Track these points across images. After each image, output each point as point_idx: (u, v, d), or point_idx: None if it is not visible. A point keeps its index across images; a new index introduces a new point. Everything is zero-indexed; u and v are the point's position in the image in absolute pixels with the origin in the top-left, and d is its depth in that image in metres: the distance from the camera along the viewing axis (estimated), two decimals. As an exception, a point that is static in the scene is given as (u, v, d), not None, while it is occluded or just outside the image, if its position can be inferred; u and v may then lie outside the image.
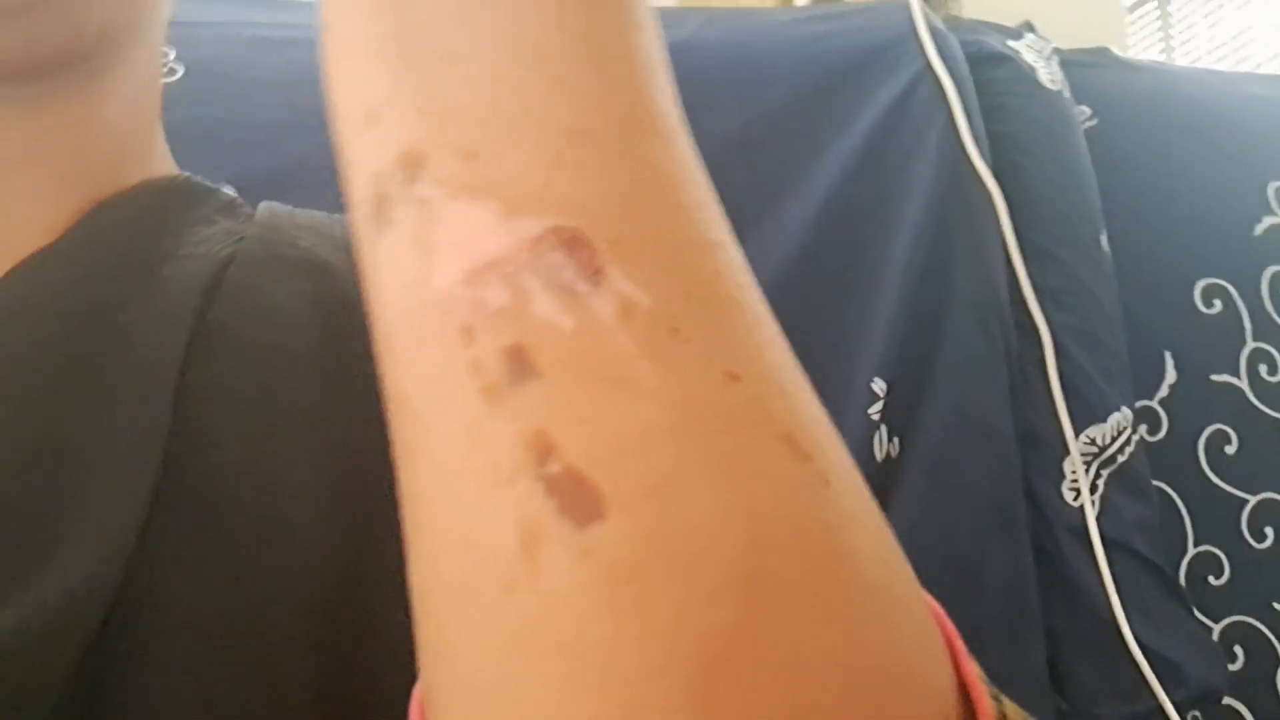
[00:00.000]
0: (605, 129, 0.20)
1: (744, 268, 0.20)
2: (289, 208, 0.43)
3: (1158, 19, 3.24)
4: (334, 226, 0.42)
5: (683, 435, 0.17)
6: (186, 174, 0.42)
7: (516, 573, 0.16)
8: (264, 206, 0.42)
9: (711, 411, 0.17)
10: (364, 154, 0.20)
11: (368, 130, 0.20)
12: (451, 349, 0.18)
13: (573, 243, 0.18)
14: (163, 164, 0.43)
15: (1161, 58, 3.17)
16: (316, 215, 0.43)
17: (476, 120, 0.19)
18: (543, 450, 0.17)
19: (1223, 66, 2.95)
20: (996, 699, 0.19)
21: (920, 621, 0.19)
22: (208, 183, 0.42)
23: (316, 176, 0.68)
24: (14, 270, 0.34)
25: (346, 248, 0.40)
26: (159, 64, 0.43)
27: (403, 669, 0.33)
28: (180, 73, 0.67)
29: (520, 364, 0.17)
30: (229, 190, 0.43)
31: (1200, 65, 3.03)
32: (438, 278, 0.18)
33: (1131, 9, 3.23)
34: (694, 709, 0.15)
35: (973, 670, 0.19)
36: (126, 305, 0.33)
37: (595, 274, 0.18)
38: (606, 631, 0.16)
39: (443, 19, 0.20)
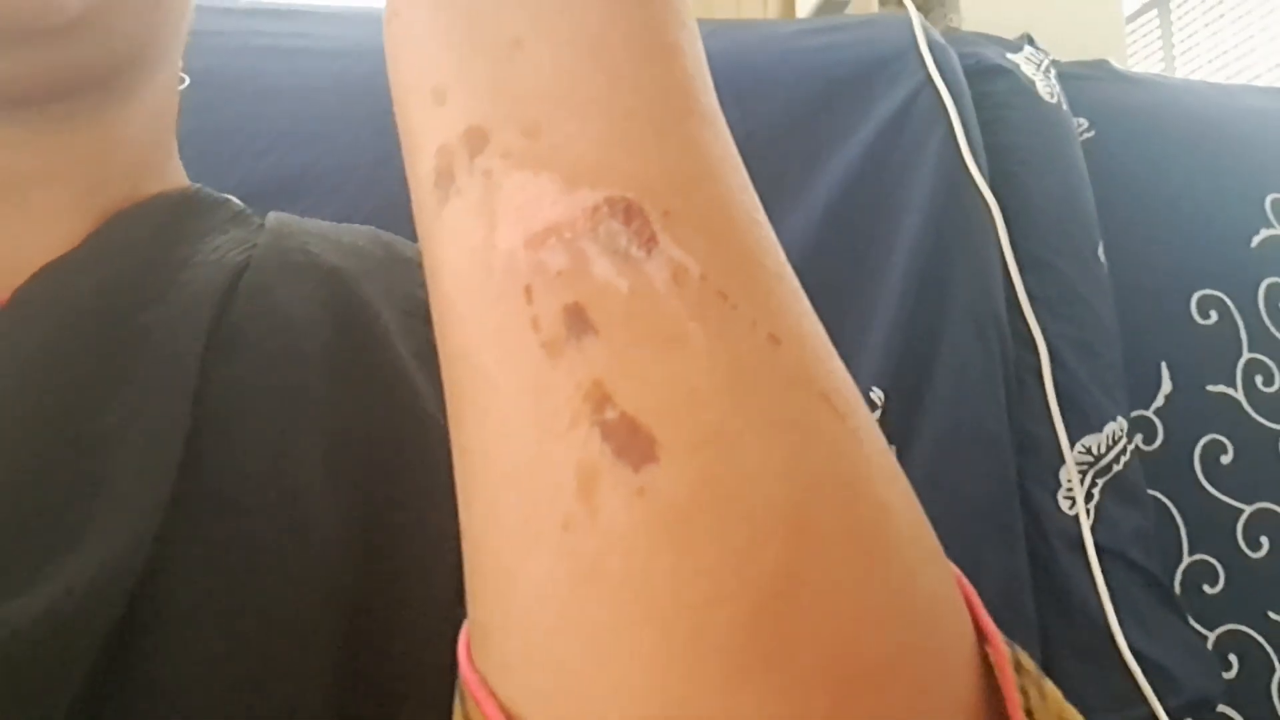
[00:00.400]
0: (657, 113, 0.21)
1: (779, 246, 0.22)
2: (297, 217, 0.44)
3: (1158, 29, 3.24)
4: (341, 234, 0.43)
5: (732, 390, 0.18)
6: (199, 185, 0.44)
7: (575, 511, 0.18)
8: (273, 216, 0.43)
9: (757, 370, 0.19)
10: (430, 129, 0.22)
11: (435, 108, 0.22)
12: (514, 307, 0.19)
13: (628, 211, 0.19)
14: (176, 176, 0.44)
15: (1162, 67, 3.17)
16: (323, 224, 0.44)
17: (538, 101, 0.21)
18: (599, 399, 0.18)
19: (1224, 76, 2.95)
20: (1010, 646, 0.21)
21: (944, 572, 0.20)
22: (218, 194, 0.44)
23: (321, 185, 0.69)
24: (37, 275, 0.35)
25: (354, 253, 0.41)
26: (177, 83, 0.44)
27: (418, 653, 0.34)
28: (187, 81, 0.68)
29: (579, 321, 0.19)
30: (236, 201, 0.44)
31: (1201, 75, 3.04)
32: (501, 242, 0.20)
33: (1132, 19, 3.23)
34: (746, 641, 0.17)
35: (989, 620, 0.21)
36: (147, 308, 0.34)
37: (649, 241, 0.19)
38: (662, 567, 0.17)
39: (507, 9, 0.22)
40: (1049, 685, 0.21)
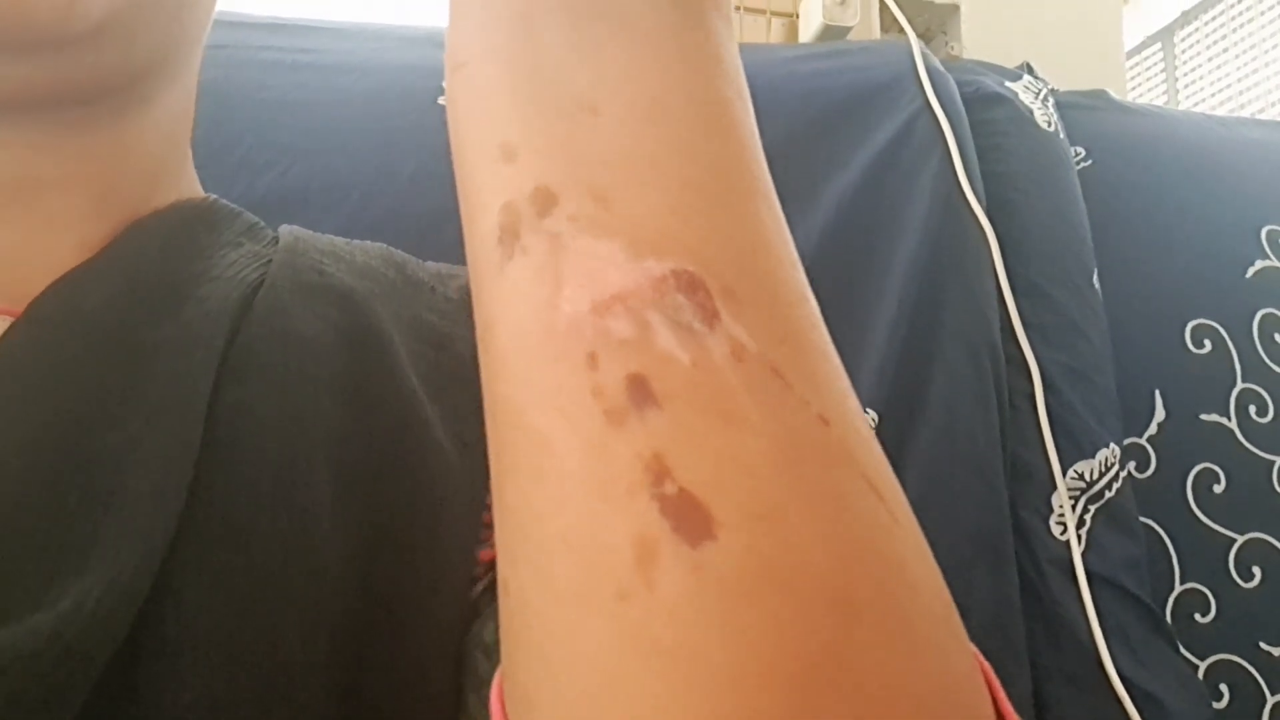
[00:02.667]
0: (720, 186, 0.22)
1: (823, 321, 0.22)
2: (309, 232, 0.44)
3: (1161, 62, 3.27)
4: (355, 253, 0.43)
5: (785, 467, 0.19)
6: (214, 196, 0.44)
7: (631, 583, 0.18)
8: (286, 230, 0.43)
9: (809, 449, 0.19)
10: (496, 186, 0.22)
11: (503, 165, 0.22)
12: (577, 372, 0.19)
13: (692, 284, 0.20)
14: (191, 185, 0.44)
15: (1165, 100, 3.20)
16: (336, 240, 0.44)
17: (609, 166, 0.21)
18: (659, 472, 0.18)
19: (1227, 111, 2.97)
20: None
21: (967, 653, 0.21)
22: (232, 205, 0.44)
23: (323, 198, 0.69)
24: (52, 286, 0.34)
25: (367, 274, 0.41)
26: (195, 92, 0.44)
27: (421, 681, 0.34)
28: (193, 93, 0.69)
29: (641, 392, 0.19)
30: (249, 214, 0.44)
31: (1205, 110, 3.05)
32: (566, 305, 0.20)
33: (1136, 52, 3.26)
34: (790, 713, 0.17)
35: (1008, 704, 0.21)
36: (160, 324, 0.34)
37: (710, 316, 0.20)
38: (714, 641, 0.17)
39: (579, 71, 0.22)
40: None
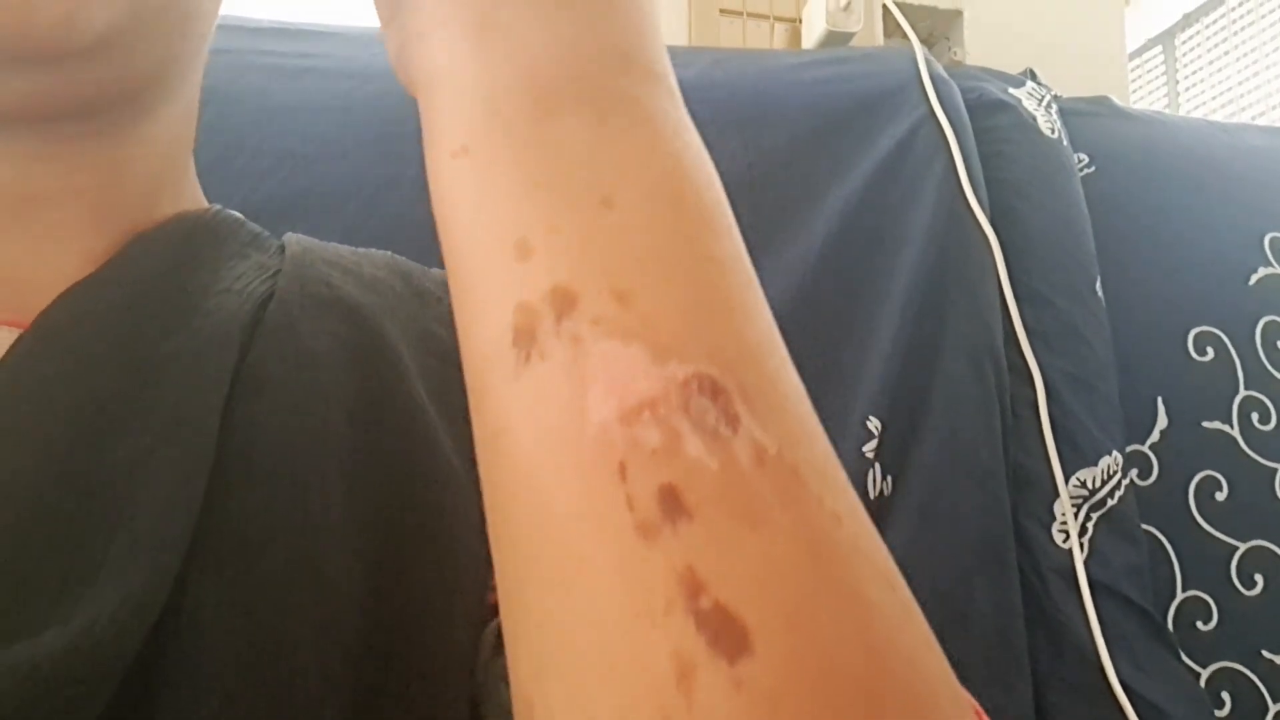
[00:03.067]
0: (728, 283, 0.21)
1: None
2: (316, 241, 0.44)
3: (1162, 65, 3.26)
4: (362, 263, 0.43)
5: (811, 570, 0.19)
6: (217, 206, 0.43)
7: (673, 704, 0.17)
8: (293, 240, 0.43)
9: (829, 548, 0.19)
10: (509, 284, 0.21)
11: (518, 262, 0.21)
12: (608, 483, 0.19)
13: (714, 389, 0.20)
14: (194, 195, 0.44)
15: (1166, 104, 3.20)
16: (342, 250, 0.44)
17: (627, 264, 0.21)
18: (693, 586, 0.18)
19: (1228, 114, 2.97)
20: None
21: None
22: (235, 215, 0.43)
23: (324, 205, 0.69)
24: (59, 298, 0.34)
25: (375, 287, 0.41)
26: (197, 102, 0.43)
27: (435, 700, 0.33)
28: (196, 99, 0.69)
29: (672, 503, 0.19)
30: (252, 224, 0.44)
31: (1205, 113, 3.05)
32: (594, 414, 0.19)
33: (1136, 55, 3.25)
34: None
35: None
36: (169, 336, 0.34)
37: (733, 420, 0.19)
38: None
39: (597, 164, 0.22)
40: None
